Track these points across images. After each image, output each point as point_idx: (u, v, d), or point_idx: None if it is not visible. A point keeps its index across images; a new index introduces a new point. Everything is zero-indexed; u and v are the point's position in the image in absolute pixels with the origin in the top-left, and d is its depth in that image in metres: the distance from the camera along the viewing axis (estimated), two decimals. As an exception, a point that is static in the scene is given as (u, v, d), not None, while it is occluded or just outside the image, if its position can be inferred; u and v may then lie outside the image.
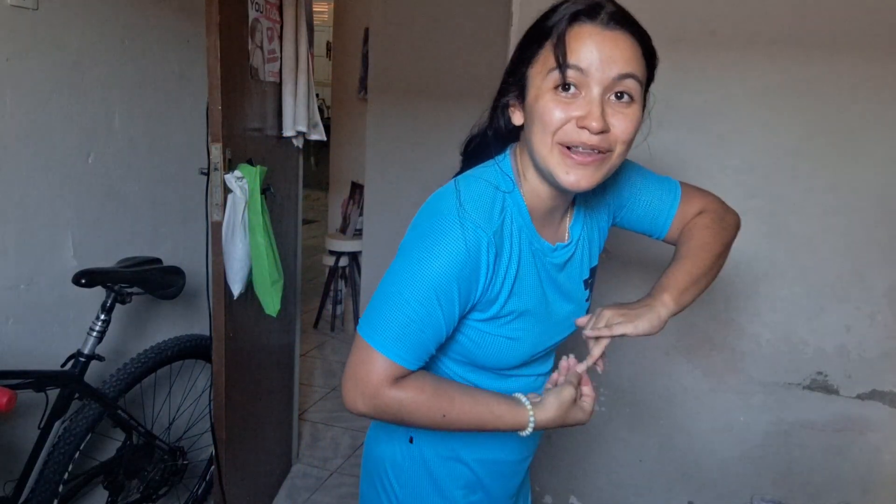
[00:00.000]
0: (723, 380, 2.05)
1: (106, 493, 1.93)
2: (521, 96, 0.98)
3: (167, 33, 2.14)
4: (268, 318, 2.10)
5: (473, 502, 1.12)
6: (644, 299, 1.04)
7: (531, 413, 0.99)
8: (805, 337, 1.97)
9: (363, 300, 4.03)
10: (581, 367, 1.04)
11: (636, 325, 0.99)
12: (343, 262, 4.19)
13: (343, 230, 4.23)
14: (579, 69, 0.91)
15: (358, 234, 4.09)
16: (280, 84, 2.15)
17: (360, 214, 4.06)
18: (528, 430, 0.99)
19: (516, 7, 2.03)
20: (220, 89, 1.76)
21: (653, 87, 1.94)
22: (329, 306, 4.38)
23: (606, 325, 1.00)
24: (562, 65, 0.91)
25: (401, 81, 3.70)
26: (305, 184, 2.53)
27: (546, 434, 2.07)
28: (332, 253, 4.18)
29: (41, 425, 1.69)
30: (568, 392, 1.01)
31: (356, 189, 4.17)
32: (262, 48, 2.01)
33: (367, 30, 3.89)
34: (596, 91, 0.91)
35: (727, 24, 1.88)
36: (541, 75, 0.94)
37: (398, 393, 0.94)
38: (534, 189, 1.01)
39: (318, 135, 2.31)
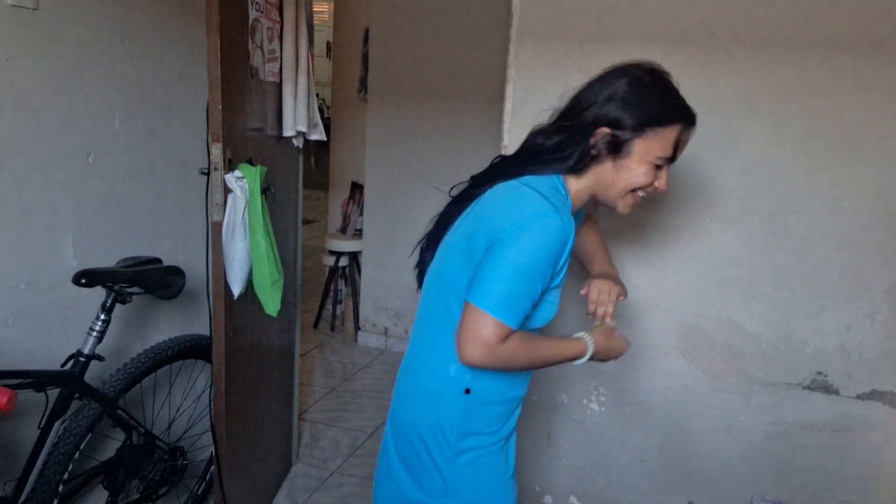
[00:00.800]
0: (723, 380, 2.05)
1: (106, 493, 1.93)
2: (616, 149, 1.27)
3: (167, 33, 2.14)
4: (268, 318, 2.10)
5: (503, 433, 1.37)
6: (608, 272, 1.51)
7: (590, 342, 1.33)
8: (805, 337, 1.97)
9: (363, 300, 4.03)
10: (612, 323, 1.40)
11: (623, 290, 1.45)
12: (343, 262, 4.19)
13: (343, 230, 4.23)
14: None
15: (358, 234, 4.10)
16: (280, 84, 2.15)
17: (360, 214, 4.06)
18: (587, 356, 1.33)
19: (516, 7, 2.03)
20: (220, 89, 1.76)
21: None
22: (329, 306, 4.38)
23: (608, 297, 1.41)
24: (672, 157, 1.30)
25: (401, 81, 3.70)
26: (305, 184, 2.53)
27: (546, 434, 2.07)
28: (332, 253, 4.18)
29: (41, 425, 1.69)
30: (610, 325, 1.39)
31: (356, 189, 4.17)
32: (262, 48, 2.01)
33: (367, 30, 3.89)
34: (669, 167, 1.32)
35: (727, 24, 1.88)
36: (648, 151, 1.26)
37: (508, 346, 1.20)
38: (575, 197, 1.34)
39: (318, 135, 2.31)
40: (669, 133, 1.26)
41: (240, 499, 2.16)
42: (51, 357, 1.79)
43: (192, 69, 2.23)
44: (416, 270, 1.46)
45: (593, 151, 1.27)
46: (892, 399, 1.94)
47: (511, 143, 2.11)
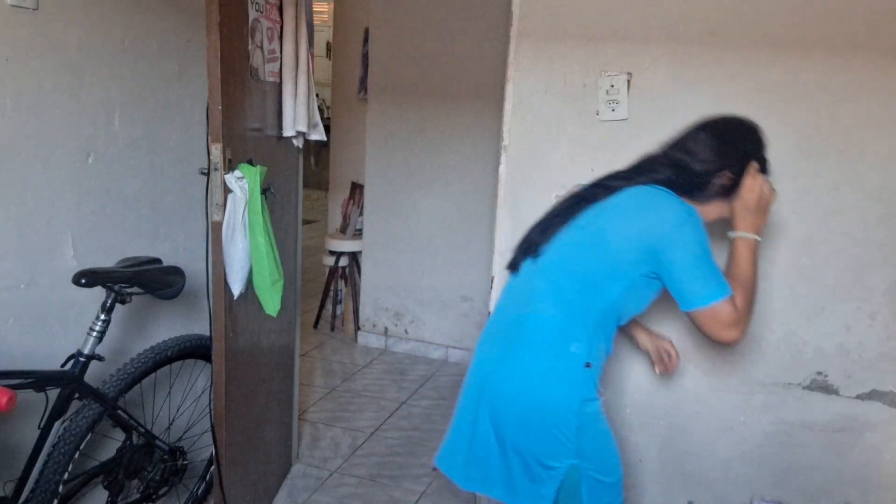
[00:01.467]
0: (723, 380, 2.05)
1: (106, 493, 1.93)
2: (729, 189, 1.52)
3: (167, 33, 2.14)
4: (268, 318, 2.10)
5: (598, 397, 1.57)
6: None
7: (746, 235, 1.52)
8: (805, 337, 1.97)
9: (363, 300, 4.03)
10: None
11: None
12: (343, 262, 4.19)
13: (343, 230, 4.23)
14: None
15: (358, 234, 4.10)
16: (280, 84, 2.15)
17: (360, 214, 4.06)
18: (756, 236, 1.53)
19: (516, 7, 2.03)
20: (220, 89, 1.76)
21: (653, 87, 1.94)
22: (329, 306, 4.38)
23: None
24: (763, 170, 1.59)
25: (401, 81, 3.70)
26: (305, 184, 2.53)
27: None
28: (332, 253, 4.18)
29: (41, 425, 1.69)
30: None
31: (356, 189, 4.17)
32: (262, 48, 2.01)
33: (367, 30, 3.89)
34: None
35: (727, 24, 1.88)
36: (748, 203, 1.53)
37: (741, 312, 1.44)
38: None
39: (318, 135, 2.31)
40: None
41: (240, 499, 2.16)
42: (51, 357, 1.79)
43: (192, 69, 2.23)
44: (519, 251, 1.64)
45: (713, 190, 1.52)
46: (892, 399, 1.94)
47: (511, 142, 2.11)
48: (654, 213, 1.47)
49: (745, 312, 1.44)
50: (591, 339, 1.50)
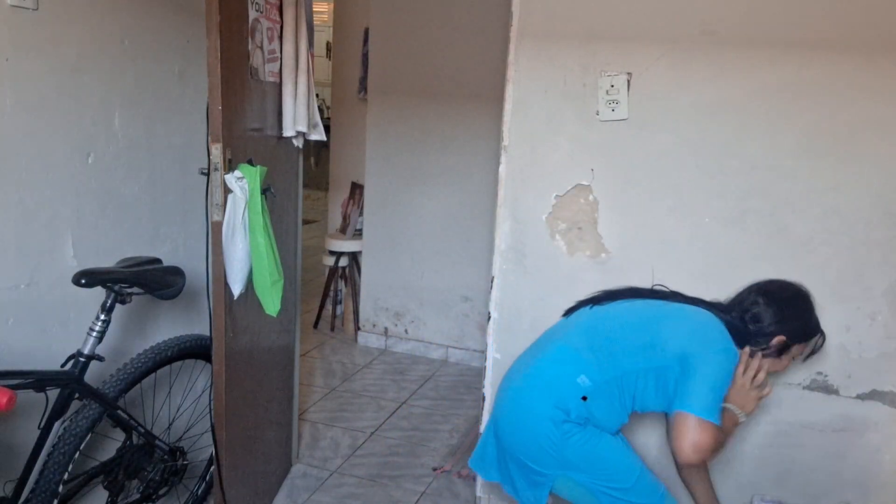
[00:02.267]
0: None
1: (106, 494, 1.93)
2: (783, 351, 1.73)
3: (167, 33, 2.14)
4: (268, 318, 2.10)
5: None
6: None
7: (739, 413, 1.74)
8: (805, 337, 1.97)
9: (363, 300, 4.03)
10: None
11: None
12: (343, 262, 4.19)
13: (343, 230, 4.23)
14: None
15: (358, 234, 4.09)
16: (280, 84, 2.14)
17: (360, 214, 4.06)
18: (741, 420, 1.73)
19: (516, 7, 2.03)
20: (220, 89, 1.76)
21: (653, 87, 1.94)
22: (329, 306, 4.38)
23: None
24: (806, 357, 1.83)
25: (401, 81, 3.70)
26: (305, 184, 2.53)
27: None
28: (332, 253, 4.18)
29: (41, 425, 1.69)
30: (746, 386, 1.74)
31: (356, 189, 4.17)
32: (262, 48, 2.01)
33: (367, 30, 3.88)
34: None
35: (727, 24, 1.88)
36: (797, 350, 1.76)
37: (714, 445, 1.58)
38: None
39: (317, 135, 2.31)
40: (813, 340, 1.77)
41: (240, 499, 2.16)
42: (51, 357, 1.79)
43: (192, 69, 2.23)
44: (581, 302, 1.88)
45: (770, 350, 1.71)
46: (892, 399, 1.94)
47: (511, 142, 2.11)
48: (707, 332, 1.69)
49: (707, 452, 1.58)
50: (603, 386, 1.67)
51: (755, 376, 1.71)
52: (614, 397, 1.69)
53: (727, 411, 1.69)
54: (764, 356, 1.72)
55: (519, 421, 1.74)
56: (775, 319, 1.70)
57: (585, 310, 1.85)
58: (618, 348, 1.69)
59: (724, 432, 1.65)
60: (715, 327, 1.69)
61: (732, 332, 1.70)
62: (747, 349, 1.72)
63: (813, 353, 1.80)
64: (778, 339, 1.70)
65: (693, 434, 1.55)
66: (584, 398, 1.67)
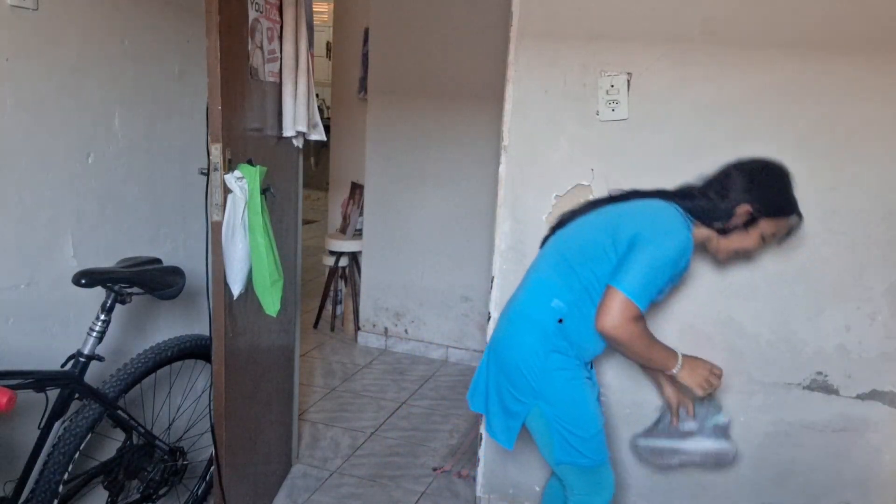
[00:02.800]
0: (723, 380, 2.05)
1: (106, 494, 1.93)
2: (748, 223, 1.68)
3: (167, 33, 2.14)
4: (268, 319, 2.10)
5: (581, 368, 1.77)
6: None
7: (680, 360, 1.71)
8: (805, 337, 1.97)
9: (363, 300, 4.03)
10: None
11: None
12: (343, 262, 4.19)
13: (343, 230, 4.23)
14: None
15: (358, 234, 4.10)
16: (280, 84, 2.14)
17: (360, 214, 4.06)
18: (675, 369, 1.70)
19: (516, 7, 2.03)
20: (220, 89, 1.76)
21: (653, 87, 1.94)
22: (329, 306, 4.38)
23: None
24: (781, 239, 1.81)
25: (401, 81, 3.70)
26: (305, 184, 2.53)
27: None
28: (332, 253, 4.18)
29: (41, 425, 1.69)
30: (707, 364, 1.75)
31: (356, 189, 4.17)
32: (262, 48, 2.01)
33: (367, 30, 3.88)
34: None
35: (727, 24, 1.88)
36: (766, 229, 1.70)
37: (635, 327, 1.60)
38: (696, 234, 1.73)
39: (317, 135, 2.31)
40: (784, 222, 1.72)
41: (240, 499, 2.16)
42: (51, 357, 1.79)
43: (192, 69, 2.23)
44: (550, 229, 1.90)
45: (733, 222, 1.68)
46: (892, 399, 1.94)
47: (511, 142, 2.11)
48: (657, 216, 1.68)
49: (623, 332, 1.58)
50: (575, 303, 1.69)
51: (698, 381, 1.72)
52: (587, 311, 1.68)
53: (669, 356, 1.70)
54: (731, 231, 1.70)
55: (509, 352, 1.76)
56: (743, 188, 1.67)
57: (552, 237, 1.86)
58: (578, 262, 1.70)
59: (649, 351, 1.66)
60: (666, 212, 1.68)
61: (698, 212, 1.70)
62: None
63: (789, 234, 1.77)
64: (743, 209, 1.66)
65: (614, 310, 1.57)
66: (561, 320, 1.69)
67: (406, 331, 3.97)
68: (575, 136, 2.05)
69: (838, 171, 1.87)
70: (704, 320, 2.03)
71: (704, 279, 2.01)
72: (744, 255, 1.80)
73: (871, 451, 1.99)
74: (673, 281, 1.68)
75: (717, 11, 1.88)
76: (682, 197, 1.74)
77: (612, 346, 1.68)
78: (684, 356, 1.72)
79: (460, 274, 3.75)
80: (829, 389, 1.98)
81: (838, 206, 1.88)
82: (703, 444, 1.90)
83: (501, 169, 2.14)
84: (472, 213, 3.66)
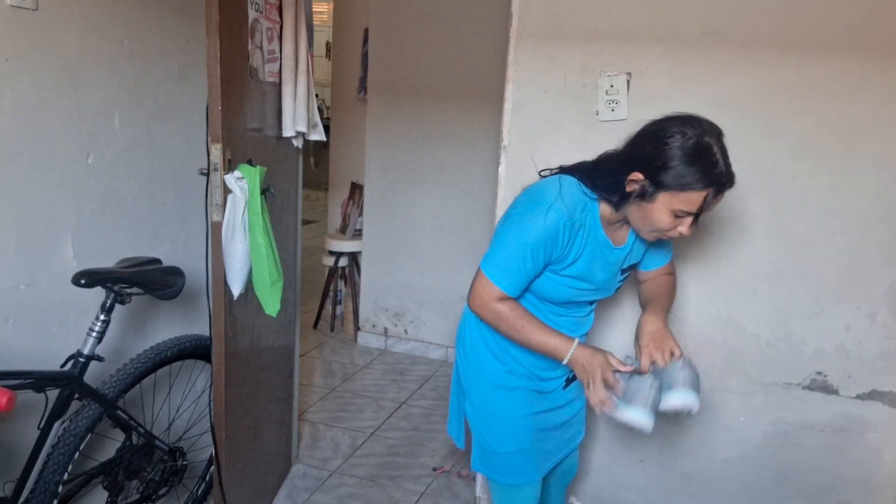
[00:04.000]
0: (723, 380, 2.05)
1: (105, 494, 1.93)
2: (642, 195, 1.42)
3: (167, 33, 2.14)
4: (267, 319, 2.10)
5: (516, 381, 1.66)
6: (656, 326, 1.57)
7: (572, 350, 1.50)
8: (805, 337, 1.97)
9: (363, 300, 4.03)
10: (627, 369, 1.50)
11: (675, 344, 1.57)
12: (343, 262, 4.19)
13: (343, 230, 4.23)
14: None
15: (358, 234, 4.09)
16: (280, 84, 2.15)
17: (360, 214, 4.06)
18: (565, 359, 1.51)
19: (515, 7, 2.03)
20: (220, 89, 1.76)
21: (653, 87, 1.93)
22: (329, 306, 4.38)
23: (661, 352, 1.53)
24: (698, 212, 1.41)
25: (401, 81, 3.70)
26: (305, 184, 2.53)
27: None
28: (331, 253, 4.18)
29: (41, 426, 1.69)
30: (605, 356, 1.50)
31: (356, 189, 4.17)
32: (261, 48, 2.01)
33: (366, 30, 3.88)
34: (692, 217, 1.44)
35: (727, 24, 1.88)
36: (670, 203, 1.40)
37: (498, 306, 1.50)
38: (604, 213, 1.53)
39: (317, 135, 2.31)
40: (696, 196, 1.38)
41: (239, 499, 2.16)
42: (50, 357, 1.79)
43: (192, 69, 2.23)
44: None
45: (627, 189, 1.44)
46: (892, 399, 1.94)
47: (511, 142, 2.11)
48: (530, 192, 1.54)
49: (484, 308, 1.51)
50: None
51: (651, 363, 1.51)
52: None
53: (556, 343, 1.51)
54: (623, 204, 1.46)
55: (457, 347, 1.75)
56: (628, 150, 1.46)
57: None
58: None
59: (524, 334, 1.50)
60: (542, 186, 1.52)
61: (593, 184, 1.48)
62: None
63: (704, 210, 1.41)
64: (634, 175, 1.41)
65: (477, 289, 1.51)
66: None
67: (406, 331, 3.97)
68: (574, 136, 2.05)
69: (838, 171, 1.87)
70: (704, 320, 2.03)
71: (704, 279, 2.01)
72: (663, 235, 1.48)
73: (870, 451, 1.99)
74: (556, 264, 1.49)
75: (717, 11, 1.88)
76: (580, 170, 1.53)
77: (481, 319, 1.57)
78: (590, 349, 1.51)
79: (460, 274, 3.75)
80: (828, 389, 1.98)
81: (838, 206, 1.88)
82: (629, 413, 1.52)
83: (501, 169, 2.14)
84: (472, 213, 3.66)
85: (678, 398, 1.49)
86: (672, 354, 1.51)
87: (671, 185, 1.38)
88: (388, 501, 2.52)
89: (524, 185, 1.60)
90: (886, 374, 1.93)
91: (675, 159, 1.37)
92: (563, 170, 1.57)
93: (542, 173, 1.62)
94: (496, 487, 1.70)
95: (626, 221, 1.53)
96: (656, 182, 1.39)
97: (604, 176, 1.48)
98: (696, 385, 1.53)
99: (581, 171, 1.53)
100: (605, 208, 1.51)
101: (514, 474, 1.64)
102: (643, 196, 1.41)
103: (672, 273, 1.76)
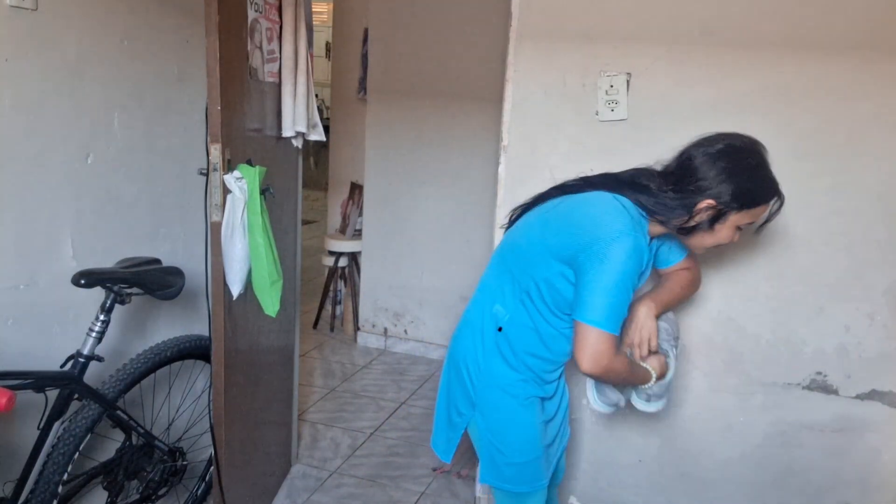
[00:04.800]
0: (723, 380, 2.05)
1: (105, 494, 1.93)
2: (714, 220, 1.46)
3: (167, 33, 2.14)
4: (267, 319, 2.10)
5: (532, 389, 1.63)
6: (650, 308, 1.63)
7: (653, 373, 1.60)
8: (805, 337, 1.97)
9: (363, 300, 4.03)
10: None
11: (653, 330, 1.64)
12: (342, 262, 4.19)
13: (342, 230, 4.23)
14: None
15: (357, 234, 4.09)
16: (279, 84, 2.14)
17: (360, 214, 4.06)
18: (650, 382, 1.60)
19: (515, 8, 2.03)
20: (219, 89, 1.76)
21: (653, 87, 1.94)
22: (328, 307, 4.38)
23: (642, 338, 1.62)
24: (759, 227, 1.56)
25: (400, 81, 3.70)
26: (305, 184, 2.53)
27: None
28: (331, 253, 4.18)
29: (41, 426, 1.69)
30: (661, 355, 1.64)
31: (355, 189, 4.17)
32: (261, 48, 2.01)
33: (366, 30, 3.88)
34: None
35: (727, 24, 1.88)
36: (740, 220, 1.48)
37: (616, 361, 1.45)
38: (651, 230, 1.54)
39: (317, 135, 2.31)
40: (763, 209, 1.49)
41: (239, 499, 2.16)
42: (50, 357, 1.79)
43: (192, 70, 2.23)
44: (504, 230, 1.74)
45: (695, 220, 1.47)
46: (892, 399, 1.94)
47: (510, 143, 2.11)
48: (593, 224, 1.45)
49: (607, 361, 1.43)
50: (517, 311, 1.56)
51: (636, 354, 1.60)
52: (525, 319, 1.55)
53: (645, 369, 1.58)
54: (692, 232, 1.49)
55: (454, 359, 1.66)
56: (704, 178, 1.44)
57: (504, 236, 1.71)
58: (517, 266, 1.55)
59: (631, 374, 1.54)
60: (608, 215, 1.45)
61: (651, 207, 1.48)
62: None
63: (769, 220, 1.53)
64: (705, 204, 1.44)
65: (589, 345, 1.40)
66: (500, 329, 1.57)
67: (405, 331, 3.97)
68: (574, 136, 2.05)
69: (838, 171, 1.87)
70: (704, 320, 2.03)
71: (704, 279, 2.01)
72: (717, 250, 1.60)
73: (870, 451, 1.99)
74: (640, 281, 1.53)
75: (716, 11, 1.88)
76: (630, 188, 1.50)
77: (604, 382, 1.62)
78: (650, 360, 1.62)
79: (460, 274, 3.75)
80: (828, 389, 1.98)
81: (838, 206, 1.88)
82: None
83: (501, 169, 2.14)
84: (472, 213, 3.65)
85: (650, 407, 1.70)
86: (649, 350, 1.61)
87: (744, 203, 1.45)
88: (388, 501, 2.52)
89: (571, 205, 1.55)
90: (886, 375, 1.93)
91: (745, 179, 1.44)
92: (594, 183, 1.56)
93: (568, 185, 1.61)
94: (506, 497, 1.66)
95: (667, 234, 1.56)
96: (729, 205, 1.44)
97: (662, 203, 1.48)
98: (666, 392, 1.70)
99: (634, 191, 1.50)
100: (653, 226, 1.52)
101: (528, 482, 1.63)
102: (714, 221, 1.46)
103: (689, 268, 1.73)
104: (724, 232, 1.48)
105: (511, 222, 1.70)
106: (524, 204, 1.68)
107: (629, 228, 1.41)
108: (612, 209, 1.46)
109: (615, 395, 1.70)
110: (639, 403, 1.70)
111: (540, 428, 1.63)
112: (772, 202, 1.49)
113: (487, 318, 1.60)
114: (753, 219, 1.49)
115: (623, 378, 1.55)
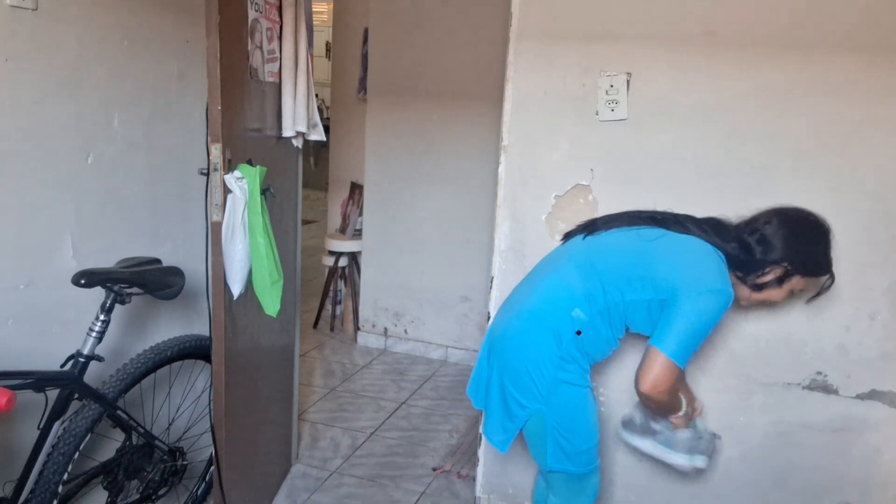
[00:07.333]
0: (722, 380, 2.05)
1: (105, 494, 1.93)
2: (780, 279, 1.66)
3: (167, 33, 2.14)
4: (267, 319, 2.10)
5: (587, 380, 1.76)
6: None
7: (684, 405, 1.78)
8: (804, 337, 1.97)
9: (363, 300, 4.03)
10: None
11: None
12: (343, 262, 4.19)
13: (342, 230, 4.23)
14: None
15: (357, 234, 4.09)
16: (279, 84, 2.15)
17: (360, 214, 4.06)
18: (681, 412, 1.78)
19: (515, 8, 2.03)
20: (219, 89, 1.76)
21: (653, 87, 1.94)
22: (329, 307, 4.38)
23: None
24: (811, 298, 1.82)
25: (400, 81, 3.70)
26: (305, 184, 2.53)
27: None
28: (331, 253, 4.18)
29: (41, 426, 1.69)
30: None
31: (355, 189, 4.17)
32: (261, 48, 2.01)
33: (366, 30, 3.88)
34: None
35: (727, 24, 1.88)
36: (798, 284, 1.68)
37: (673, 392, 1.62)
38: None
39: (317, 135, 2.31)
40: (818, 280, 1.72)
41: (239, 499, 2.16)
42: (50, 357, 1.79)
43: (192, 69, 2.23)
44: (578, 227, 1.87)
45: (767, 277, 1.66)
46: (892, 399, 1.94)
47: (511, 142, 2.11)
48: (702, 268, 1.63)
49: (664, 394, 1.59)
50: (594, 318, 1.67)
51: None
52: (606, 327, 1.69)
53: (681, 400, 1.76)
54: (763, 287, 1.68)
55: (518, 353, 1.73)
56: (782, 244, 1.64)
57: (578, 240, 1.82)
58: (609, 279, 1.67)
59: (684, 395, 1.74)
60: (711, 263, 1.65)
61: (733, 260, 1.66)
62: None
63: (819, 294, 1.76)
64: (781, 266, 1.65)
65: (656, 371, 1.56)
66: (579, 332, 1.67)
67: (406, 331, 3.97)
68: (574, 136, 2.05)
69: (838, 171, 1.87)
70: (704, 320, 2.03)
71: (704, 279, 2.01)
72: (768, 305, 1.82)
73: (870, 451, 1.99)
74: None
75: (717, 11, 1.88)
76: (721, 238, 1.69)
77: (647, 405, 1.71)
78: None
79: (460, 274, 3.75)
80: (828, 389, 1.99)
81: (838, 206, 1.88)
82: (674, 458, 1.86)
83: (501, 169, 2.14)
84: (472, 213, 3.66)
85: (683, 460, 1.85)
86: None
87: (809, 271, 1.67)
88: (388, 501, 2.52)
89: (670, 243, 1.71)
90: (886, 374, 1.94)
91: (820, 251, 1.68)
92: (682, 223, 1.73)
93: (658, 217, 1.78)
94: (571, 481, 1.77)
95: None
96: (799, 271, 1.65)
97: (747, 259, 1.66)
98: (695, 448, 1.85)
99: (724, 241, 1.68)
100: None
101: (594, 461, 1.78)
102: (779, 280, 1.66)
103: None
104: (782, 294, 1.69)
105: (592, 227, 1.82)
106: (612, 217, 1.84)
107: (728, 286, 1.60)
108: (715, 261, 1.65)
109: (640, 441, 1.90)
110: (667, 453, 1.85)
111: (596, 413, 1.78)
112: (825, 277, 1.72)
113: (565, 321, 1.68)
114: (807, 286, 1.70)
115: (664, 411, 1.74)
